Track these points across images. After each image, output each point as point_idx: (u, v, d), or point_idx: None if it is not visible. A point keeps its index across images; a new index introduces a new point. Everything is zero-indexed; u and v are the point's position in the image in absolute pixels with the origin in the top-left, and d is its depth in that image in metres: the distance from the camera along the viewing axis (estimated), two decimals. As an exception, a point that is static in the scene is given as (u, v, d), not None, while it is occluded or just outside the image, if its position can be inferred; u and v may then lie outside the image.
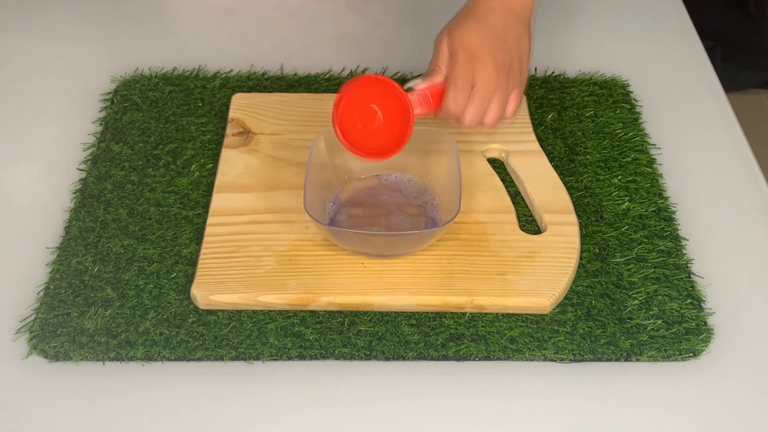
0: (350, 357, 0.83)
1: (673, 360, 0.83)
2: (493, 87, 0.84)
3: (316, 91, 1.09)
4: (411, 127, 0.86)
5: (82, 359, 0.82)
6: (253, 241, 0.90)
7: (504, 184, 0.96)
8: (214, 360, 0.83)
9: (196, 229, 0.93)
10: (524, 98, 1.05)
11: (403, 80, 1.11)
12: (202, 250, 0.89)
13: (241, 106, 1.05)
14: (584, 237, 0.92)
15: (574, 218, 0.93)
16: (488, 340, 0.83)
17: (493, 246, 0.90)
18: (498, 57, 0.84)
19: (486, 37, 0.84)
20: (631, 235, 0.93)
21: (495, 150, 1.00)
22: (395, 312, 0.86)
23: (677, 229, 0.94)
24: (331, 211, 0.93)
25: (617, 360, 0.83)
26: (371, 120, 0.87)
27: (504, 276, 0.87)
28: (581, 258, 0.90)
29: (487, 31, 0.84)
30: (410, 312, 0.86)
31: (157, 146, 1.02)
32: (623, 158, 1.01)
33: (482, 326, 0.85)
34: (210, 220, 0.92)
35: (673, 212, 0.96)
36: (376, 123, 0.87)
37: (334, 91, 1.08)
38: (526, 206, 0.95)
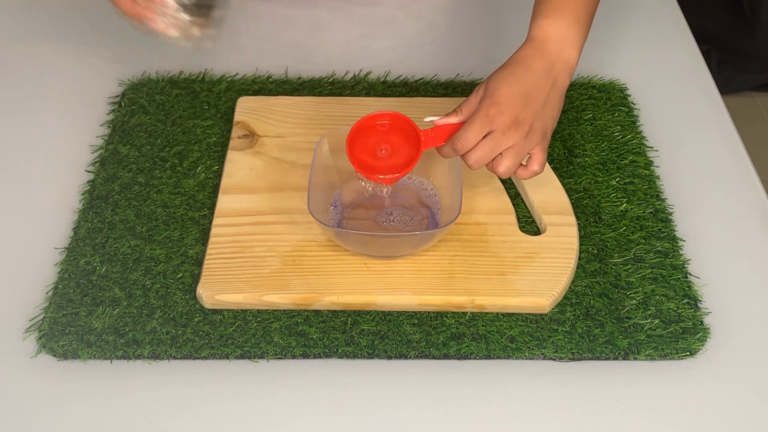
0: (353, 356, 0.83)
1: (670, 359, 0.84)
2: (507, 140, 0.84)
3: (320, 94, 1.10)
4: (418, 156, 0.87)
5: (90, 358, 0.83)
6: (258, 242, 0.91)
7: (504, 185, 0.97)
8: (219, 358, 0.84)
9: (202, 230, 0.93)
10: None
11: (404, 83, 1.12)
12: (208, 251, 0.90)
13: (246, 109, 1.06)
14: (583, 238, 0.93)
15: (573, 219, 0.93)
16: (488, 339, 0.84)
17: (493, 247, 0.90)
18: (521, 114, 0.84)
19: (517, 94, 0.84)
20: (628, 236, 0.93)
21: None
22: (397, 311, 0.86)
23: (674, 230, 0.94)
24: (333, 212, 0.94)
25: (615, 359, 0.84)
26: (381, 146, 0.89)
27: (504, 276, 0.87)
28: (580, 258, 0.91)
29: (521, 88, 0.84)
30: (412, 311, 0.87)
31: (164, 148, 1.02)
32: (621, 160, 1.01)
33: (483, 325, 0.85)
34: (216, 221, 0.93)
35: (670, 213, 0.96)
36: (386, 150, 0.88)
37: (338, 95, 1.09)
38: (526, 207, 0.96)
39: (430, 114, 0.88)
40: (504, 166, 0.85)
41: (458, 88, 1.12)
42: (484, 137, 0.84)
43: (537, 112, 0.85)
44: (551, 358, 0.84)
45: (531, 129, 0.84)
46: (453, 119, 0.87)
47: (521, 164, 0.87)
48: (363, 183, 0.92)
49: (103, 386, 0.82)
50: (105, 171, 1.00)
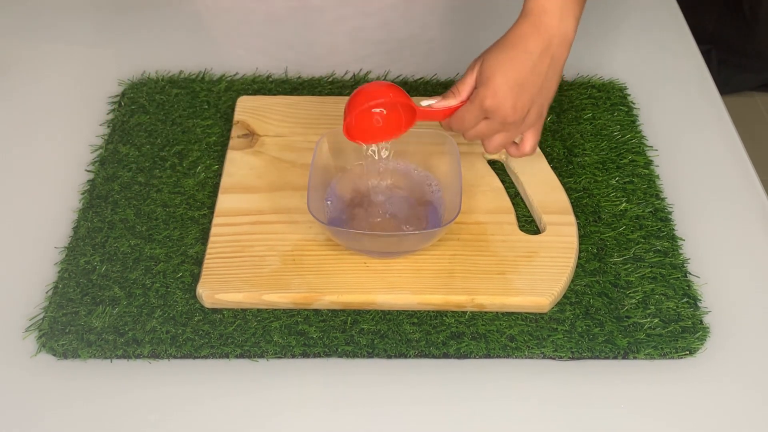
0: (353, 355, 0.83)
1: (669, 358, 0.84)
2: (502, 126, 0.85)
3: (320, 94, 1.10)
4: (411, 122, 0.88)
5: (90, 357, 0.83)
6: (258, 241, 0.90)
7: (504, 185, 0.97)
8: (219, 358, 0.83)
9: (202, 230, 0.93)
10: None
11: (403, 83, 1.12)
12: (208, 250, 0.90)
13: (246, 108, 1.06)
14: (582, 237, 0.93)
15: (572, 219, 0.93)
16: (488, 339, 0.84)
17: (493, 246, 0.90)
18: (518, 102, 0.83)
19: (513, 83, 0.83)
20: (628, 235, 0.93)
21: (495, 152, 1.01)
22: (397, 311, 0.86)
23: (673, 229, 0.94)
24: (330, 209, 0.93)
25: (615, 358, 0.84)
26: (378, 113, 0.89)
27: (504, 275, 0.87)
28: (579, 258, 0.91)
29: (517, 75, 0.83)
30: (412, 311, 0.86)
31: (164, 148, 1.02)
32: (621, 160, 1.01)
33: (482, 325, 0.85)
34: (215, 220, 0.93)
35: (670, 213, 0.96)
36: (381, 115, 0.89)
37: (337, 94, 1.09)
38: (526, 207, 0.96)
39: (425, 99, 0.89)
40: (493, 145, 0.88)
41: (458, 88, 1.11)
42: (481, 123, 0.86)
43: (534, 96, 0.84)
44: (551, 357, 0.84)
45: (528, 114, 0.85)
46: (452, 102, 0.87)
47: (514, 142, 0.90)
48: (366, 154, 0.92)
49: (103, 385, 0.82)
50: (105, 170, 1.00)
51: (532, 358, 0.84)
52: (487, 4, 1.22)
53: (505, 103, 0.83)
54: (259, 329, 0.85)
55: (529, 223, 0.94)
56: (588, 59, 1.16)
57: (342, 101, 1.06)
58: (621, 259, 0.91)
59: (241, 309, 0.86)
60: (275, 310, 0.86)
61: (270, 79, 1.12)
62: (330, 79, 1.13)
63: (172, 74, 1.13)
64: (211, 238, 0.91)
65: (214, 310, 0.86)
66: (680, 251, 0.92)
